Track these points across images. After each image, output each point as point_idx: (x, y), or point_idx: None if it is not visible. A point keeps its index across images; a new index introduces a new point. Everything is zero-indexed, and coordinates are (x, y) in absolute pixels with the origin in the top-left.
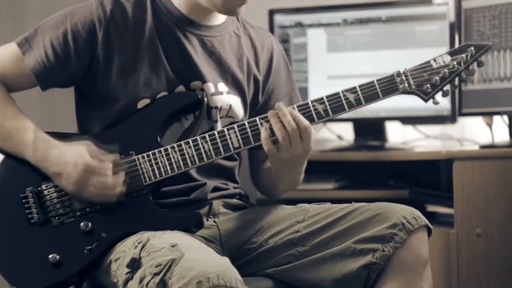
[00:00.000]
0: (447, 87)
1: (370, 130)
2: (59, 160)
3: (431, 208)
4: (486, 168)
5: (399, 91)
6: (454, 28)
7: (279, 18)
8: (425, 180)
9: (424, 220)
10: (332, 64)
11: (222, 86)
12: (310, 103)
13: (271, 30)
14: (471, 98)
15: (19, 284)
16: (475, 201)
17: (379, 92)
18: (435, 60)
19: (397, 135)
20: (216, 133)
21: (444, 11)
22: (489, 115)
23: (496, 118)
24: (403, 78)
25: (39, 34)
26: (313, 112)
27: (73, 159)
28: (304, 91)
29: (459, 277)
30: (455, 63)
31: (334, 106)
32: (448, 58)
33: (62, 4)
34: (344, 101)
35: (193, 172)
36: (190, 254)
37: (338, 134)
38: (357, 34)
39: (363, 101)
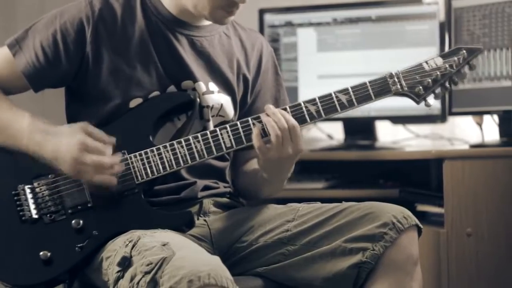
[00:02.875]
0: (439, 90)
1: (360, 130)
2: (54, 145)
3: (421, 207)
4: (476, 167)
5: (391, 93)
6: (444, 27)
7: (269, 18)
8: (415, 179)
9: (414, 219)
10: (322, 63)
11: (213, 86)
12: (302, 104)
13: (261, 29)
14: (461, 97)
15: (10, 280)
16: (465, 200)
17: (371, 94)
18: (427, 63)
19: (387, 134)
20: (208, 132)
21: (434, 10)
22: (479, 114)
23: (486, 118)
24: (395, 80)
25: (29, 35)
26: (305, 112)
27: (67, 140)
28: (294, 91)
29: (449, 277)
30: (447, 65)
31: (326, 107)
32: (440, 61)
33: (52, 4)
34: (336, 102)
35: (184, 172)
36: (181, 253)
37: (328, 133)
38: (347, 33)
39: (355, 102)
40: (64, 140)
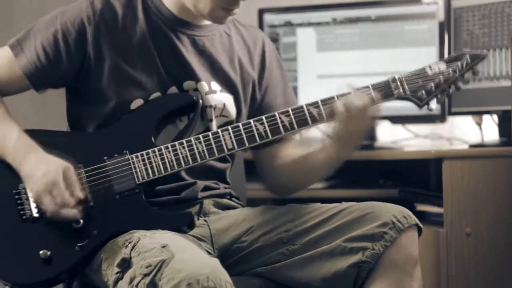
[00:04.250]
0: (441, 94)
1: None
2: (35, 163)
3: (420, 207)
4: (476, 167)
5: (394, 97)
6: (443, 27)
7: (268, 17)
8: (415, 179)
9: (414, 219)
10: (322, 63)
11: (215, 85)
12: (304, 107)
13: (260, 29)
14: (461, 97)
15: (10, 279)
16: (465, 200)
17: (374, 97)
18: (430, 67)
19: (386, 134)
20: (210, 134)
21: (434, 10)
22: (478, 114)
23: (486, 117)
24: (398, 84)
25: (30, 35)
26: (307, 115)
27: (46, 170)
28: (293, 91)
29: (448, 276)
30: (450, 70)
31: (329, 110)
32: (443, 66)
33: (52, 5)
34: None
35: (184, 173)
36: (180, 255)
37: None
38: (346, 33)
39: None
40: (44, 168)
